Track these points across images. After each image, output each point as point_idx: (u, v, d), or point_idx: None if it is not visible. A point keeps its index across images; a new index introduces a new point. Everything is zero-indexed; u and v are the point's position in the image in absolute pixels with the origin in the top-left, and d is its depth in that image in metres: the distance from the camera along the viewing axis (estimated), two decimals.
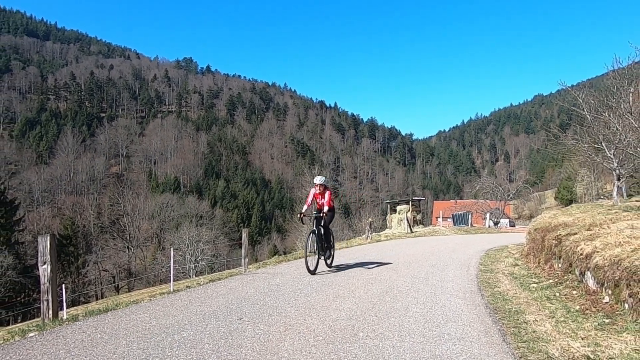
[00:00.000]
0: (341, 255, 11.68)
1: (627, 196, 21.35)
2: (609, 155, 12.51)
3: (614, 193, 13.89)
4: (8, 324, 24.02)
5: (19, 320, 25.88)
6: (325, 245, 8.19)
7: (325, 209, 8.14)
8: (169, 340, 3.72)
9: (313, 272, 7.58)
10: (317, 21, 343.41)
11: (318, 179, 8.37)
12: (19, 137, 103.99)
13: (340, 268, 8.56)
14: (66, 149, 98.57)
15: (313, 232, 7.95)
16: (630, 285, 4.00)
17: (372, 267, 8.62)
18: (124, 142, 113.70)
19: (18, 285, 32.47)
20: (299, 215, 8.44)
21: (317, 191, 8.32)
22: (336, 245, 17.18)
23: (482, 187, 41.31)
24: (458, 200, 62.83)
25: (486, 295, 5.66)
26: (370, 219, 22.80)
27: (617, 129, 11.25)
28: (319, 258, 8.00)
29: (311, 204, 8.42)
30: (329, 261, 8.41)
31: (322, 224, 8.07)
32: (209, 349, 3.45)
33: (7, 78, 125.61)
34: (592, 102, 12.73)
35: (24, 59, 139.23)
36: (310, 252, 7.88)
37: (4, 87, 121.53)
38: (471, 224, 31.50)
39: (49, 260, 5.03)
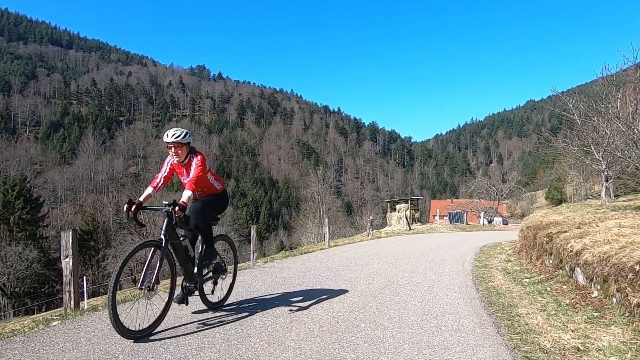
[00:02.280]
0: (343, 251, 11.63)
1: (615, 196, 21.19)
2: (598, 157, 12.41)
3: (602, 193, 13.78)
4: (33, 313, 24.19)
5: (43, 310, 26.06)
6: (193, 269, 4.05)
7: (186, 195, 3.76)
8: (183, 329, 3.72)
9: (142, 334, 3.40)
10: (322, 31, 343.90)
11: (171, 134, 3.97)
12: (43, 139, 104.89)
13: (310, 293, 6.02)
14: (87, 150, 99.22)
15: (154, 244, 3.63)
16: (618, 280, 3.96)
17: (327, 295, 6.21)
18: (141, 144, 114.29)
19: (42, 277, 32.72)
20: (125, 208, 3.71)
21: (176, 159, 4.04)
22: (339, 242, 17.11)
23: (476, 187, 41.26)
24: (454, 200, 62.64)
25: (481, 290, 5.62)
26: (371, 217, 22.77)
27: (605, 132, 11.15)
28: (181, 295, 4.00)
29: (164, 185, 4.10)
30: (214, 297, 4.45)
31: (174, 225, 3.74)
32: (220, 338, 3.45)
33: (33, 84, 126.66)
34: (582, 107, 12.63)
35: (48, 66, 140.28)
36: (144, 288, 3.48)
37: (30, 93, 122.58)
38: (466, 222, 31.36)
39: (71, 254, 5.06)
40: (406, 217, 24.54)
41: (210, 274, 4.42)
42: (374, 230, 20.88)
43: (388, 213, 30.99)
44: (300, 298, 5.06)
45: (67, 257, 5.05)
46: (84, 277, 13.36)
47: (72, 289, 5.05)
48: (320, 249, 12.58)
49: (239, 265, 6.06)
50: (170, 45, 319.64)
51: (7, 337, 3.59)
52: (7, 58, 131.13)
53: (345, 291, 5.47)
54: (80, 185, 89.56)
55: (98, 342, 3.34)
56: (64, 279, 5.11)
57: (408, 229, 23.15)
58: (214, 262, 4.43)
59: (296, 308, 4.53)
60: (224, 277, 4.62)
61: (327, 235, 14.30)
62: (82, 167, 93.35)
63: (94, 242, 42.89)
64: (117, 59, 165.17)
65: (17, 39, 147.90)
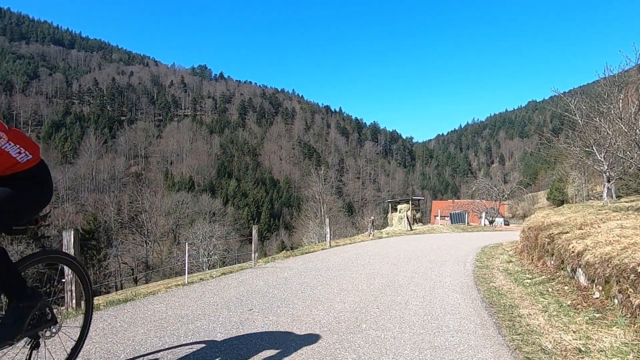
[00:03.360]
0: (344, 251, 11.62)
1: (617, 197, 21.15)
2: (600, 158, 12.41)
3: (604, 194, 13.76)
4: None
5: None
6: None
7: None
8: (184, 329, 3.72)
9: None
10: (323, 31, 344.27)
11: None
12: (45, 139, 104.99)
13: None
14: (89, 150, 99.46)
15: None
16: (619, 281, 3.95)
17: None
18: (142, 144, 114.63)
19: (44, 276, 32.80)
20: None
21: None
22: (340, 242, 17.10)
23: (478, 188, 41.22)
24: (455, 200, 62.50)
25: (482, 290, 5.62)
26: (372, 217, 22.75)
27: (607, 133, 11.15)
28: None
29: None
30: None
31: None
32: (221, 337, 3.45)
33: (35, 84, 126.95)
34: (584, 108, 12.63)
35: (50, 66, 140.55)
36: None
37: (32, 92, 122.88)
38: (468, 223, 31.31)
39: (73, 253, 5.07)
40: (407, 218, 24.52)
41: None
42: (375, 231, 20.86)
43: (389, 213, 30.98)
44: (301, 298, 5.06)
45: None
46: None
47: (73, 288, 5.06)
48: (322, 249, 12.57)
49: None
50: (172, 45, 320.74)
51: None
52: (9, 58, 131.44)
53: (347, 291, 5.47)
54: (81, 184, 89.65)
55: (99, 341, 3.35)
56: (66, 278, 5.12)
57: (409, 229, 23.13)
58: (26, 303, 2.22)
59: (297, 308, 4.53)
60: (53, 330, 2.52)
61: (328, 235, 14.28)
62: (84, 167, 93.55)
63: (96, 241, 42.93)
64: (119, 59, 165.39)
65: (19, 39, 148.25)
